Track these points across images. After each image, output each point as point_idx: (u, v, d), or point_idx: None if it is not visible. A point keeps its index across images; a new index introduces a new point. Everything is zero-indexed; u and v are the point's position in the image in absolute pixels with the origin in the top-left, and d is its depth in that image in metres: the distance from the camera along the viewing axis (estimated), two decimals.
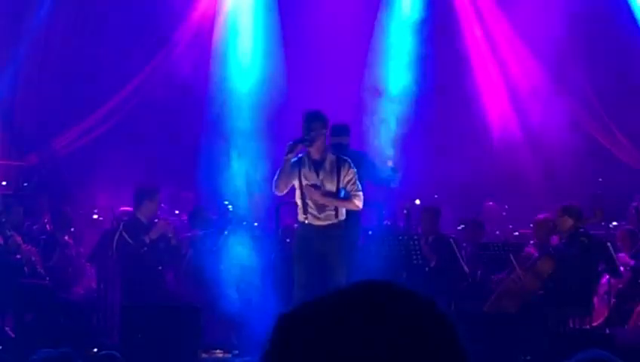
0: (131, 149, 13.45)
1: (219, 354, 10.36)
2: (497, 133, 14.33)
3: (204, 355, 10.00)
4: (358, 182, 9.12)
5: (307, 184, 9.08)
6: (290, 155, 8.97)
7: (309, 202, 9.13)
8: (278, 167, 9.28)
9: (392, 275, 9.96)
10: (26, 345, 8.95)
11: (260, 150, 12.04)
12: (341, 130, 10.30)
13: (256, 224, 11.64)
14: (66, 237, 11.34)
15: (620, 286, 11.04)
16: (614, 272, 10.73)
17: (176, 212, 12.71)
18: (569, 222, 10.16)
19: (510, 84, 14.36)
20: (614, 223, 12.12)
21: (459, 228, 12.43)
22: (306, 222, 9.17)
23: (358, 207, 9.18)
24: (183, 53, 13.99)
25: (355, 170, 9.14)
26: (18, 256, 10.32)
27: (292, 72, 13.30)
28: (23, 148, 13.97)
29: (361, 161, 9.90)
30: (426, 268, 10.69)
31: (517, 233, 13.02)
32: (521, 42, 14.10)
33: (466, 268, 10.94)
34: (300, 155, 9.10)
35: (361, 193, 9.13)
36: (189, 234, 11.08)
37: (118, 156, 13.33)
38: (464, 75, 14.32)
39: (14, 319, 10.46)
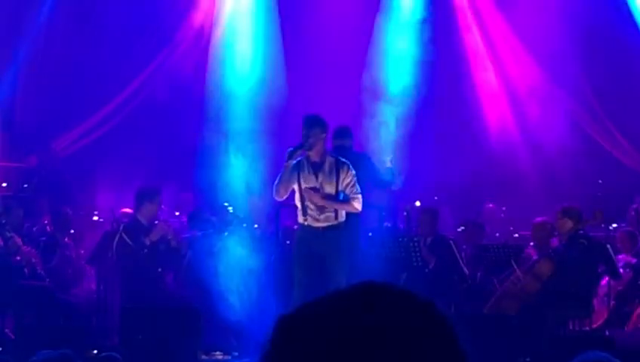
0: (131, 151, 13.45)
1: (219, 355, 10.36)
2: (497, 134, 14.32)
3: (203, 357, 10.00)
4: (357, 185, 9.12)
5: (307, 187, 9.08)
6: (290, 162, 8.99)
7: (309, 204, 9.13)
8: (278, 168, 9.29)
9: (392, 277, 9.96)
10: (26, 347, 8.94)
11: (260, 151, 12.05)
12: (343, 132, 10.34)
13: (256, 226, 11.64)
14: (66, 239, 11.33)
15: (620, 288, 11.04)
16: (614, 274, 10.73)
17: (177, 213, 12.71)
18: (569, 224, 10.15)
19: (509, 85, 14.37)
20: (614, 225, 12.12)
21: (459, 229, 12.44)
22: (306, 223, 9.17)
23: (357, 209, 9.18)
24: (184, 55, 14.00)
25: (354, 172, 9.14)
26: (18, 258, 10.31)
27: (292, 74, 13.31)
28: (23, 150, 13.98)
29: (362, 163, 9.91)
30: (426, 270, 10.69)
31: (517, 235, 13.02)
32: (521, 44, 14.10)
33: (465, 270, 10.93)
34: (299, 159, 9.11)
35: (360, 196, 9.13)
36: (188, 235, 11.08)
37: (117, 157, 13.34)
38: (464, 76, 14.32)
39: (14, 320, 10.45)
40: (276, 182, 9.12)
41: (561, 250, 10.20)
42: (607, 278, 10.84)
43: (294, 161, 9.05)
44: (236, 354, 10.33)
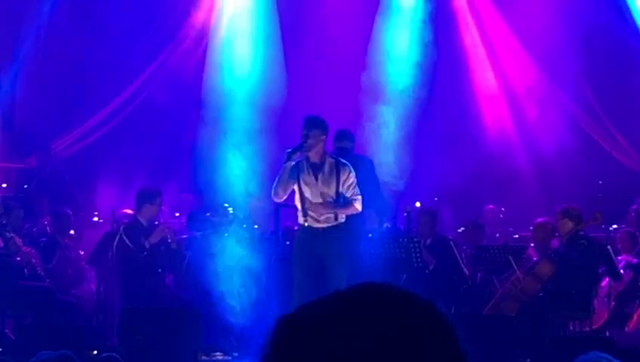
0: (131, 151, 13.46)
1: (218, 356, 10.36)
2: (497, 135, 14.32)
3: (203, 358, 10.00)
4: (357, 186, 9.13)
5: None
6: (288, 163, 8.98)
7: (309, 205, 9.13)
8: (278, 169, 9.28)
9: (392, 278, 9.95)
10: (26, 347, 8.93)
11: (260, 152, 12.04)
12: (344, 135, 10.36)
13: (256, 226, 11.64)
14: (66, 240, 11.33)
15: (620, 288, 11.04)
16: (614, 275, 10.73)
17: (177, 214, 12.71)
18: (569, 224, 10.15)
19: (509, 86, 14.36)
20: (614, 226, 12.12)
21: (459, 230, 12.44)
22: (306, 224, 9.17)
23: (357, 210, 9.20)
24: (183, 56, 14.00)
25: (355, 173, 9.14)
26: (18, 258, 10.31)
27: (292, 75, 13.30)
28: (23, 151, 13.98)
29: (363, 166, 9.92)
30: (426, 271, 10.69)
31: (517, 236, 13.02)
32: (520, 44, 14.10)
33: (466, 271, 10.93)
34: (298, 160, 9.10)
35: (360, 196, 9.14)
36: (186, 236, 11.07)
37: (117, 158, 13.34)
38: (463, 77, 14.32)
39: (14, 321, 10.45)
40: (275, 183, 9.11)
41: (562, 250, 10.20)
42: (607, 279, 10.84)
43: (293, 162, 9.04)
44: (236, 354, 10.32)
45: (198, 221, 11.21)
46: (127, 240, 10.13)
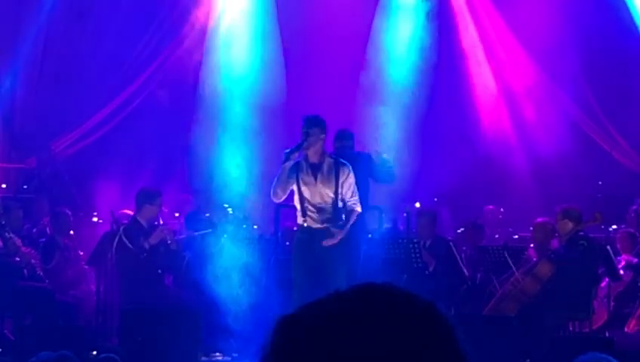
0: (131, 152, 13.45)
1: (218, 357, 10.36)
2: (497, 135, 14.32)
3: (203, 358, 10.00)
4: (355, 188, 9.13)
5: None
6: (287, 163, 8.97)
7: (308, 205, 9.13)
8: (277, 169, 9.27)
9: (392, 278, 9.94)
10: (25, 348, 8.94)
11: (260, 152, 12.04)
12: (344, 135, 10.37)
13: (255, 227, 11.64)
14: (66, 240, 11.33)
15: (620, 289, 11.04)
16: (614, 275, 10.73)
17: (176, 215, 12.71)
18: (569, 225, 10.15)
19: (509, 86, 14.36)
20: (614, 226, 12.12)
21: (458, 231, 12.44)
22: (305, 225, 9.16)
23: (359, 212, 9.23)
24: (183, 57, 14.00)
25: (353, 174, 9.14)
26: (17, 259, 10.30)
27: (291, 74, 13.31)
28: (22, 151, 13.98)
29: (362, 160, 9.94)
30: (426, 272, 10.69)
31: (516, 236, 13.02)
32: (520, 45, 14.10)
33: (465, 271, 10.93)
34: (297, 160, 9.10)
35: (357, 197, 9.15)
36: (185, 236, 11.07)
37: (117, 158, 13.33)
38: (463, 77, 14.32)
39: (13, 322, 10.44)
40: (274, 183, 9.10)
41: (561, 251, 10.19)
42: (607, 280, 10.84)
43: (292, 162, 9.03)
44: (236, 355, 10.32)
45: (197, 221, 11.21)
46: (126, 241, 10.12)
